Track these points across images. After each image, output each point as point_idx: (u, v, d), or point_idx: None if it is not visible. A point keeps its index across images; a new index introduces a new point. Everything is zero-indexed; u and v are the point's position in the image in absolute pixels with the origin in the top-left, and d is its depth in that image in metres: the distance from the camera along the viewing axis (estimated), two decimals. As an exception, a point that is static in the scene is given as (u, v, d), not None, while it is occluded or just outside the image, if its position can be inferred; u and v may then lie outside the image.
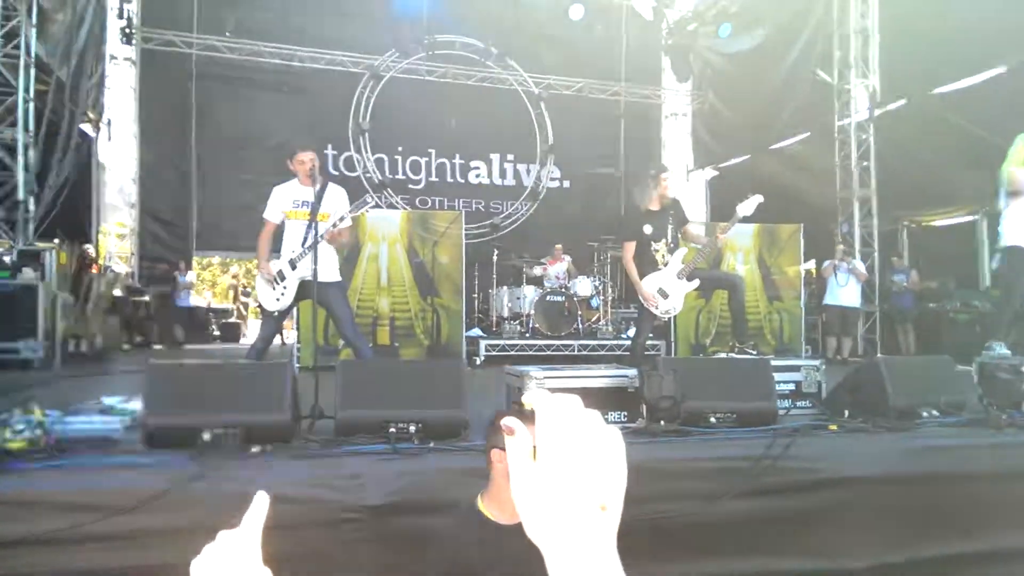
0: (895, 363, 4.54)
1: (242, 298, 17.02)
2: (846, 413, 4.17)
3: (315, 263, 4.51)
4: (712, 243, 5.57)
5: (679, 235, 5.55)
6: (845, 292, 9.68)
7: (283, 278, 4.87)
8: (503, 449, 2.33)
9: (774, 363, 4.30)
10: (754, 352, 5.40)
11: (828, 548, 3.36)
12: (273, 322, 5.09)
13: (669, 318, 5.79)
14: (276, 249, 5.02)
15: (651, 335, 6.50)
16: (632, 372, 3.98)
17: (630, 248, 5.55)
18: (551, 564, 0.59)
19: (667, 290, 5.42)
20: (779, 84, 12.49)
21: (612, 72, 14.75)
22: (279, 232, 5.02)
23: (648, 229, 5.48)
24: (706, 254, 5.54)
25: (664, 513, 3.14)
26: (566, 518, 0.58)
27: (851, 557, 3.37)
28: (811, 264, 10.77)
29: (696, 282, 5.47)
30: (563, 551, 0.58)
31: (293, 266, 4.84)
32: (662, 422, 3.64)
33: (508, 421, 0.63)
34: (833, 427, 3.87)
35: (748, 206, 5.41)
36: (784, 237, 9.48)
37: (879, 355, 9.69)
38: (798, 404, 4.42)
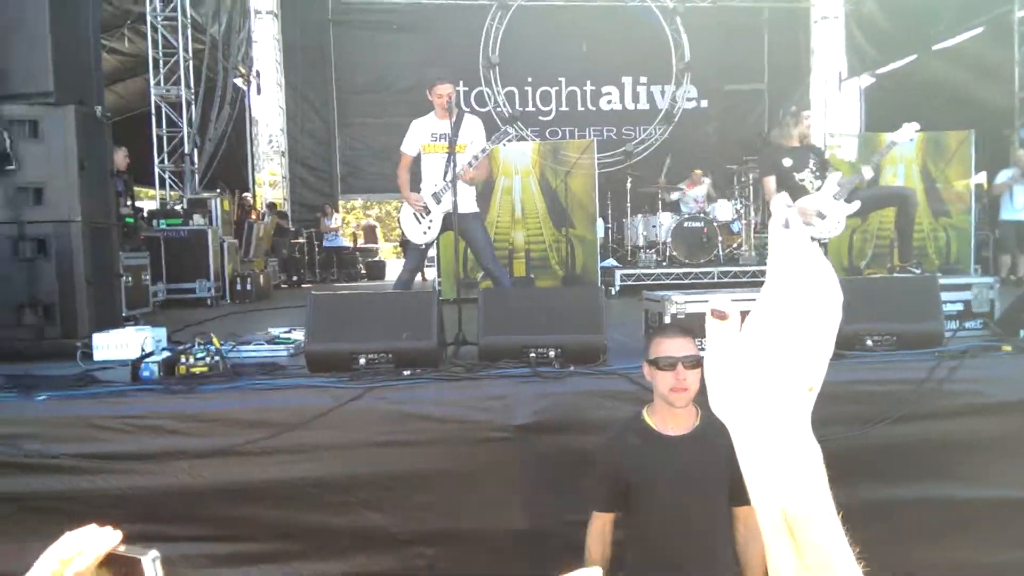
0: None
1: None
2: (1022, 334, 3.79)
3: (455, 195, 4.60)
4: (868, 168, 5.08)
5: (825, 173, 5.11)
6: (1022, 203, 8.66)
7: (428, 212, 5.02)
8: (649, 362, 2.37)
9: (941, 281, 3.96)
10: (918, 271, 4.98)
11: (996, 476, 3.13)
12: (419, 254, 5.29)
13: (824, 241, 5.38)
14: (416, 182, 5.16)
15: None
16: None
17: (770, 183, 5.34)
18: (744, 449, 0.55)
19: (825, 211, 4.95)
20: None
21: (754, -23, 13.70)
22: (416, 166, 5.15)
23: (787, 162, 5.26)
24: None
25: (821, 436, 3.02)
26: (771, 402, 0.53)
27: (1014, 487, 3.12)
28: (983, 176, 9.70)
29: (857, 204, 4.96)
30: (762, 436, 0.54)
31: (438, 200, 4.97)
32: (813, 345, 3.46)
33: (719, 305, 0.57)
34: (1007, 348, 3.54)
35: (903, 133, 5.03)
36: (952, 146, 8.55)
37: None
38: (967, 325, 4.06)
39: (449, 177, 4.76)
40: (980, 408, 3.22)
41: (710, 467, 2.29)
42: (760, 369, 0.54)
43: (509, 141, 5.09)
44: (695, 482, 2.30)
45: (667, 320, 3.74)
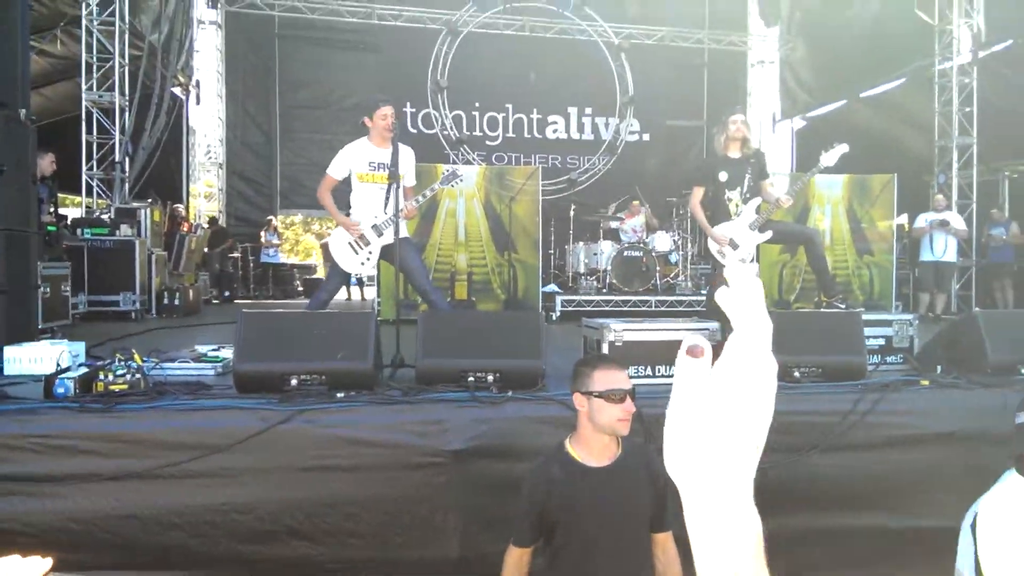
0: (994, 317, 4.28)
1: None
2: (939, 369, 3.97)
3: (397, 228, 4.52)
4: (787, 197, 5.20)
5: (758, 187, 5.23)
6: (940, 247, 9.15)
7: (367, 243, 4.89)
8: (584, 394, 2.38)
9: (864, 317, 4.11)
10: (843, 306, 5.17)
11: (917, 507, 3.24)
12: (341, 278, 5.16)
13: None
14: (341, 207, 5.00)
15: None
16: (714, 325, 3.88)
17: (699, 193, 5.33)
18: (692, 506, 0.54)
19: (738, 240, 5.19)
20: (874, 26, 11.71)
21: (696, 19, 14.20)
22: (342, 192, 4.99)
23: (723, 176, 5.22)
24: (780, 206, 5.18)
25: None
26: (724, 458, 0.53)
27: (942, 516, 3.23)
28: (904, 218, 10.21)
29: (769, 234, 5.21)
30: (710, 494, 0.53)
31: (379, 233, 4.84)
32: (744, 375, 3.53)
33: (695, 342, 0.58)
34: (925, 382, 3.69)
35: (832, 156, 5.08)
36: (876, 188, 8.99)
37: (977, 309, 9.18)
38: (888, 359, 4.23)
39: (391, 211, 4.66)
40: (902, 439, 3.34)
41: (632, 496, 2.32)
42: (722, 423, 0.54)
43: (460, 182, 5.06)
44: (617, 512, 2.32)
45: (605, 347, 3.76)
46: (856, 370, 3.73)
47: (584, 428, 2.39)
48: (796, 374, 3.68)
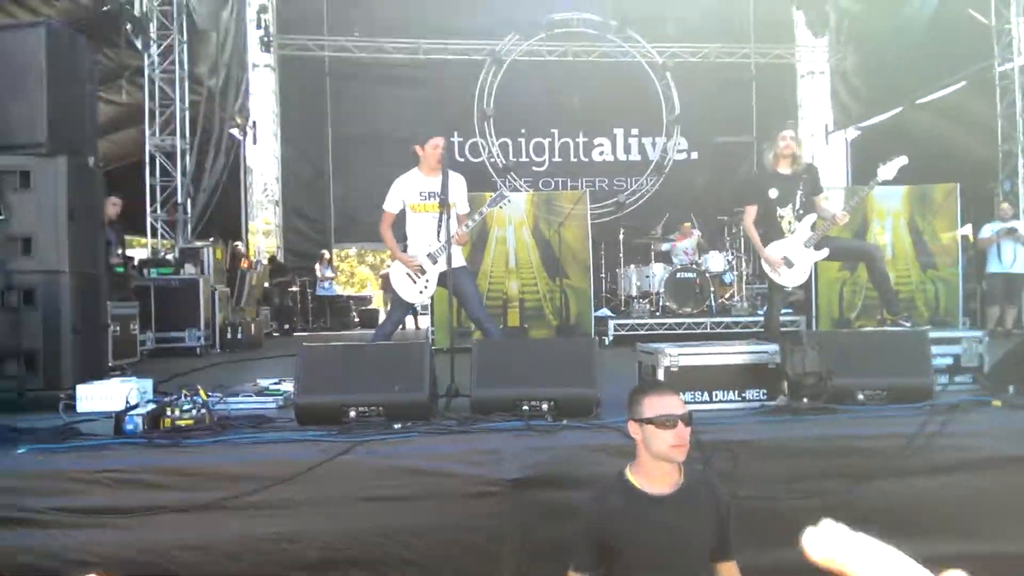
0: (1074, 331, 4.07)
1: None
2: (1011, 388, 3.79)
3: (449, 254, 4.58)
4: (843, 213, 5.07)
5: (811, 203, 5.13)
6: (1009, 257, 8.77)
7: (423, 272, 4.99)
8: (638, 421, 2.36)
9: (931, 335, 3.96)
10: (908, 324, 4.99)
11: (988, 531, 3.08)
12: (404, 309, 5.26)
13: (807, 292, 5.45)
14: (399, 239, 5.15)
15: (789, 310, 6.13)
16: (773, 347, 3.80)
17: (751, 212, 5.25)
18: None
19: (792, 259, 5.10)
20: (927, 29, 11.40)
21: (740, 33, 14.10)
22: (399, 224, 5.12)
23: (773, 193, 5.15)
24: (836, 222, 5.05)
25: (809, 493, 2.99)
26: None
27: (1013, 541, 3.08)
28: (968, 228, 9.83)
29: (825, 251, 5.12)
30: None
31: (434, 260, 4.94)
32: (805, 400, 3.45)
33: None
34: (997, 403, 3.53)
35: (890, 169, 4.95)
36: (938, 199, 8.68)
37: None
38: (957, 379, 4.06)
39: (444, 238, 4.74)
40: (972, 463, 3.19)
41: (695, 525, 2.28)
42: None
43: (508, 203, 5.17)
44: (680, 541, 2.28)
45: (660, 373, 3.72)
46: (923, 391, 3.59)
47: (642, 456, 2.38)
48: (860, 397, 3.56)
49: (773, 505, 2.99)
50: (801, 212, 5.12)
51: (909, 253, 8.57)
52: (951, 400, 3.52)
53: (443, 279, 4.88)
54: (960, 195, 8.65)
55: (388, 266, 12.28)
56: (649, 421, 2.32)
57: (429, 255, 4.96)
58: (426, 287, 5.02)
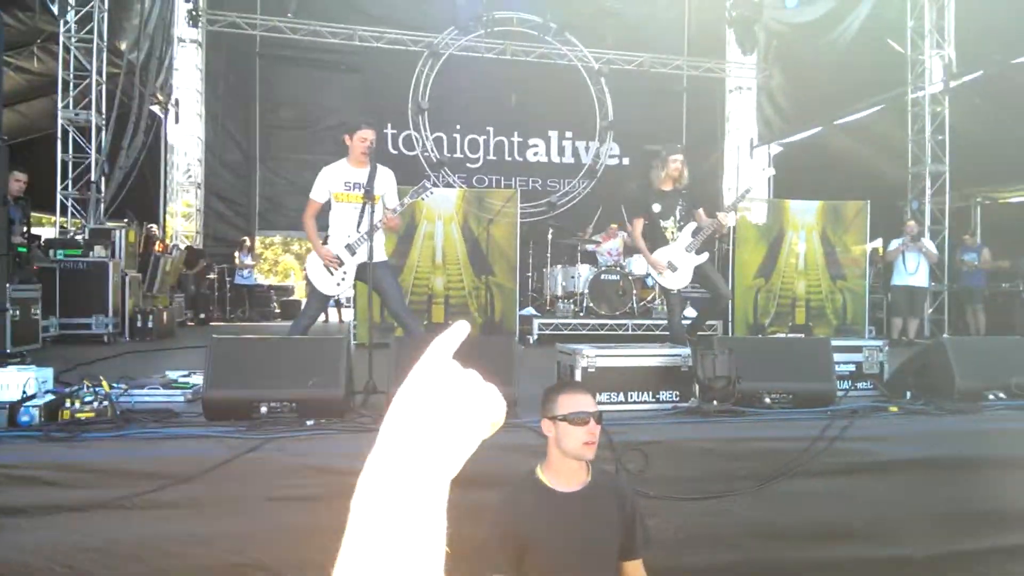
0: (963, 343, 4.37)
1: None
2: (908, 395, 4.02)
3: (371, 248, 4.53)
4: (716, 224, 5.65)
5: (690, 215, 5.73)
6: (913, 265, 9.31)
7: (341, 263, 4.90)
8: (551, 419, 2.39)
9: (834, 343, 4.17)
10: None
11: (885, 534, 3.26)
12: (321, 302, 5.16)
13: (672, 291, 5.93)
14: (322, 228, 5.05)
15: (696, 317, 6.77)
16: (685, 351, 3.91)
17: (639, 224, 5.83)
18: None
19: (676, 263, 5.65)
20: (848, 55, 11.95)
21: (675, 46, 14.41)
22: (323, 213, 5.03)
23: (656, 208, 5.72)
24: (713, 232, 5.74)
25: (716, 493, 3.09)
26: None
27: (909, 545, 3.26)
28: (878, 243, 10.37)
29: (705, 255, 5.70)
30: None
31: (352, 251, 4.86)
32: (715, 402, 3.57)
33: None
34: (894, 409, 3.74)
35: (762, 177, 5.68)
36: (850, 215, 9.13)
37: (946, 335, 9.32)
38: (858, 385, 4.27)
39: (365, 229, 4.68)
40: (871, 466, 3.37)
41: (602, 522, 2.33)
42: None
43: (430, 196, 5.11)
44: (588, 538, 2.32)
45: (578, 374, 3.77)
46: (826, 396, 3.77)
47: (553, 454, 2.42)
48: (767, 400, 3.71)
49: (679, 504, 3.08)
50: (681, 223, 5.71)
51: (820, 264, 8.98)
52: (852, 405, 3.71)
53: (363, 272, 4.80)
54: (870, 212, 9.12)
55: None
56: (563, 418, 2.36)
57: (348, 246, 4.87)
58: (343, 279, 4.93)
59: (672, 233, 5.70)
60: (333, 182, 4.91)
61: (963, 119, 10.49)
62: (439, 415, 0.52)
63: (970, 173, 10.43)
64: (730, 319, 8.72)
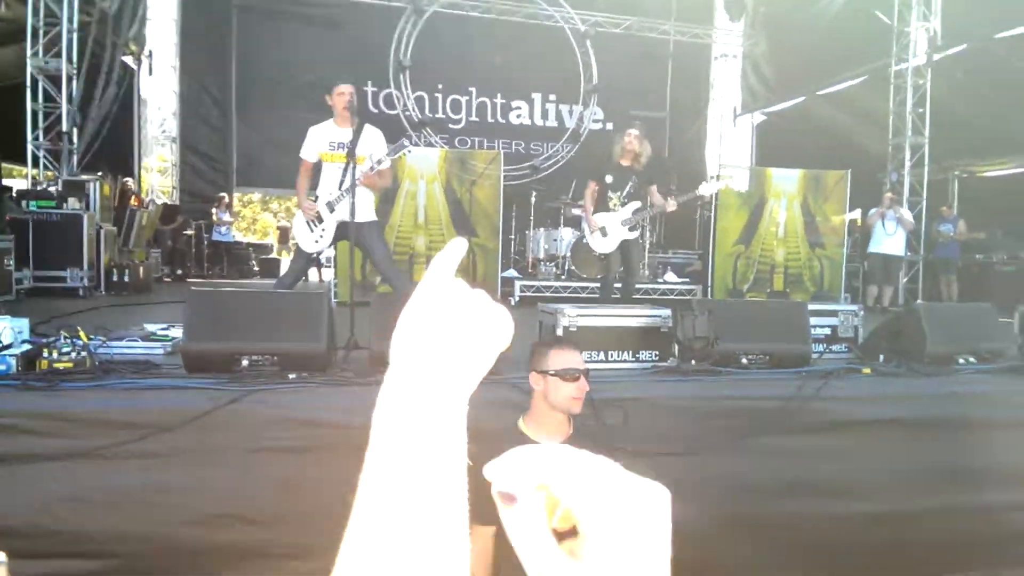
0: (935, 309, 4.46)
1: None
2: (881, 358, 4.11)
3: (352, 206, 4.49)
4: (660, 208, 6.24)
5: (640, 193, 6.17)
6: (890, 240, 9.42)
7: (321, 220, 4.89)
8: (540, 373, 2.43)
9: (811, 307, 4.24)
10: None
11: (857, 490, 3.36)
12: (305, 260, 5.14)
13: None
14: (314, 187, 5.04)
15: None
16: (666, 312, 3.95)
17: (592, 186, 6.26)
18: None
19: (608, 230, 6.10)
20: (834, 24, 11.91)
21: (662, 10, 14.23)
22: (316, 171, 5.02)
23: (609, 179, 6.15)
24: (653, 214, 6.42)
25: (693, 449, 3.15)
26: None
27: (880, 501, 3.37)
28: (856, 213, 10.48)
29: (636, 234, 6.24)
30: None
31: (331, 208, 4.84)
32: (693, 362, 3.63)
33: (504, 487, 0.47)
34: (867, 371, 3.83)
35: (710, 187, 6.34)
36: (830, 184, 9.20)
37: (919, 301, 9.49)
38: (833, 348, 4.36)
39: (346, 186, 4.63)
40: (844, 425, 3.46)
41: None
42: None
43: (407, 153, 5.07)
44: None
45: (560, 331, 3.80)
46: (801, 358, 3.84)
47: (538, 406, 2.47)
48: (744, 361, 3.77)
49: (659, 460, 3.13)
50: (627, 199, 6.13)
51: (800, 232, 9.08)
52: (827, 367, 3.79)
53: (344, 230, 4.78)
54: (851, 182, 9.19)
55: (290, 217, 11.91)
56: (554, 373, 2.42)
57: (328, 203, 4.86)
58: (322, 236, 4.91)
59: (615, 205, 6.12)
60: (319, 142, 4.90)
61: (944, 92, 10.54)
62: (450, 330, 0.50)
63: (949, 146, 10.53)
64: (710, 284, 8.81)
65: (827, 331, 4.37)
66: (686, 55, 14.74)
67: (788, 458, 3.30)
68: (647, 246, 10.30)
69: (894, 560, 3.29)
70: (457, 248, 0.56)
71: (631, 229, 6.12)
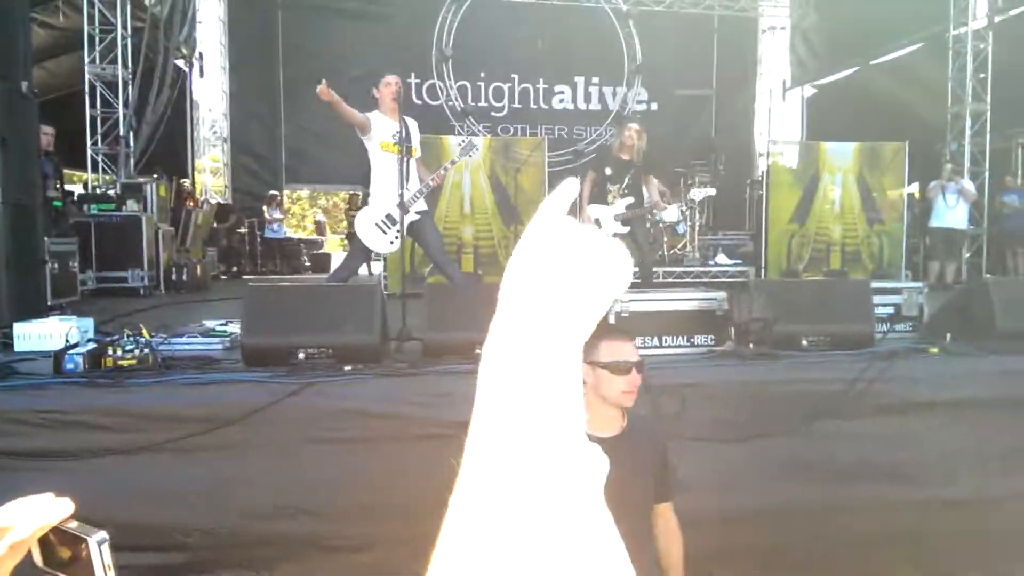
0: (1005, 284, 4.28)
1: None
2: (948, 337, 3.95)
3: (401, 198, 4.47)
4: (651, 206, 6.32)
5: (637, 185, 6.22)
6: (952, 214, 9.04)
7: (394, 222, 4.78)
8: (591, 364, 2.32)
9: (873, 286, 4.09)
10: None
11: (929, 475, 3.23)
12: (364, 256, 5.17)
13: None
14: (364, 183, 5.08)
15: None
16: (720, 295, 3.86)
17: (591, 176, 6.32)
18: None
19: (602, 223, 6.10)
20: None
21: (705, -14, 13.93)
22: (370, 159, 4.98)
23: (608, 171, 6.20)
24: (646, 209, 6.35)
25: (753, 435, 3.08)
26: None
27: (950, 486, 3.23)
28: (915, 186, 10.08)
29: (627, 229, 6.14)
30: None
31: (406, 210, 4.64)
32: (751, 345, 3.54)
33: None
34: (934, 350, 3.68)
35: (671, 212, 6.76)
36: (887, 156, 8.86)
37: (987, 276, 9.10)
38: (897, 327, 4.20)
39: (413, 186, 4.73)
40: (910, 407, 3.33)
41: (637, 467, 2.30)
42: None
43: (476, 152, 5.23)
44: (625, 484, 2.30)
45: (611, 318, 3.75)
46: (864, 338, 3.71)
47: (590, 399, 2.34)
48: (804, 343, 3.66)
49: (718, 445, 3.07)
50: (624, 192, 6.19)
51: (857, 208, 8.77)
52: (891, 347, 3.65)
53: (413, 228, 4.82)
54: (909, 154, 8.84)
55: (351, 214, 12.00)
56: (604, 366, 2.30)
57: (399, 205, 4.63)
58: (397, 236, 4.83)
59: (613, 198, 6.20)
60: (381, 129, 4.83)
61: (1007, 56, 10.04)
62: (564, 270, 0.47)
63: (1012, 113, 10.03)
64: (763, 264, 8.59)
65: (890, 310, 4.21)
66: (731, 30, 14.37)
67: (855, 443, 3.19)
68: (697, 228, 10.12)
69: (974, 548, 3.16)
70: (569, 187, 0.53)
71: (624, 223, 6.18)
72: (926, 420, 3.27)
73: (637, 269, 6.30)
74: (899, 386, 3.30)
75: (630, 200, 6.22)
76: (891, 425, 3.25)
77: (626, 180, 6.22)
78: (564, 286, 0.46)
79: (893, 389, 3.29)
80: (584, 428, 0.46)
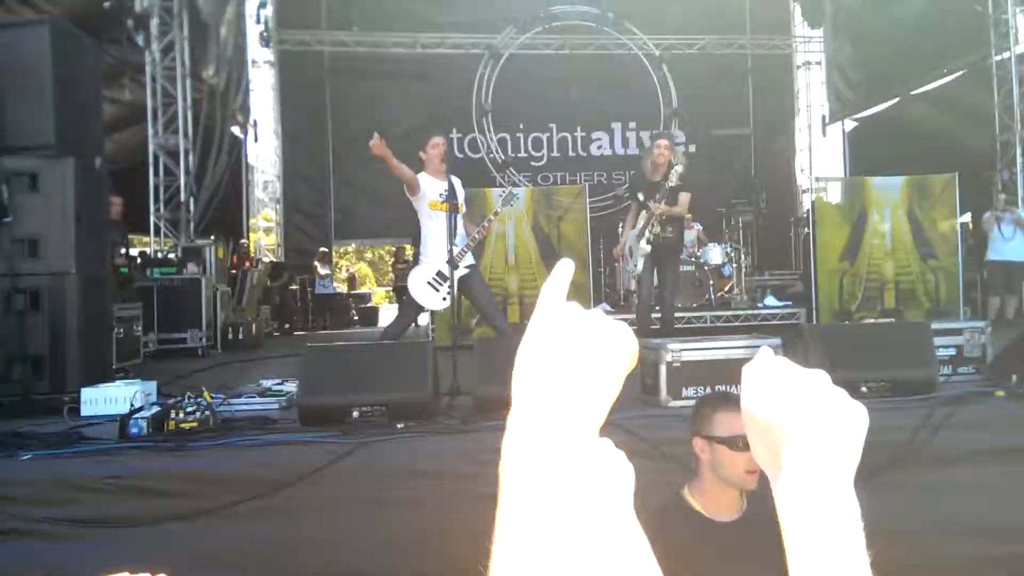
0: (1076, 321, 4.08)
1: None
2: (1014, 378, 3.80)
3: (456, 253, 4.62)
4: (655, 205, 5.86)
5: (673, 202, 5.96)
6: (1009, 246, 8.75)
7: (445, 279, 4.90)
8: (705, 438, 2.10)
9: (933, 327, 3.97)
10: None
11: (996, 528, 3.08)
12: (416, 313, 5.28)
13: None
14: (402, 234, 5.22)
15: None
16: (775, 341, 3.80)
17: (633, 207, 6.19)
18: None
19: (633, 247, 6.04)
20: (922, 19, 11.35)
21: (736, 25, 14.05)
22: (420, 220, 5.12)
23: (641, 196, 6.03)
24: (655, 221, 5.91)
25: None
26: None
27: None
28: (967, 217, 9.82)
29: (649, 248, 5.90)
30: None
31: (456, 266, 4.77)
32: (808, 393, 3.46)
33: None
34: (1000, 393, 3.54)
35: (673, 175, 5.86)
36: (937, 189, 8.68)
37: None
38: (959, 370, 4.07)
39: (460, 241, 4.84)
40: (981, 454, 3.20)
41: (761, 554, 2.09)
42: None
43: (517, 201, 5.37)
44: (747, 572, 1.97)
45: (663, 369, 3.72)
46: (927, 383, 3.60)
47: (706, 477, 2.12)
48: (863, 389, 3.57)
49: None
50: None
51: (909, 244, 8.57)
52: (955, 392, 3.54)
53: (463, 284, 4.92)
54: (959, 184, 8.65)
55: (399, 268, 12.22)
56: (721, 441, 2.05)
57: (449, 261, 4.76)
58: (449, 294, 4.90)
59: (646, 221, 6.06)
60: (430, 189, 4.98)
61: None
62: (571, 358, 0.49)
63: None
64: (814, 306, 8.43)
65: (951, 351, 4.07)
66: (766, 67, 14.43)
67: (924, 494, 3.07)
68: (743, 269, 10.02)
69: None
70: (565, 270, 0.55)
71: (648, 243, 5.91)
72: (999, 468, 3.13)
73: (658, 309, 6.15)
74: (967, 433, 3.18)
75: (644, 215, 5.90)
76: (962, 474, 3.12)
77: (657, 199, 5.95)
78: (571, 376, 0.48)
79: (961, 435, 3.17)
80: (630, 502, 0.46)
